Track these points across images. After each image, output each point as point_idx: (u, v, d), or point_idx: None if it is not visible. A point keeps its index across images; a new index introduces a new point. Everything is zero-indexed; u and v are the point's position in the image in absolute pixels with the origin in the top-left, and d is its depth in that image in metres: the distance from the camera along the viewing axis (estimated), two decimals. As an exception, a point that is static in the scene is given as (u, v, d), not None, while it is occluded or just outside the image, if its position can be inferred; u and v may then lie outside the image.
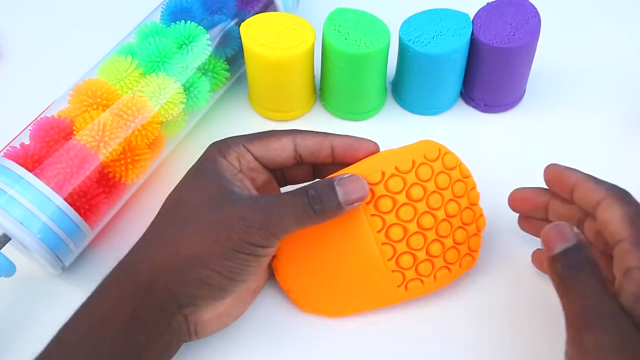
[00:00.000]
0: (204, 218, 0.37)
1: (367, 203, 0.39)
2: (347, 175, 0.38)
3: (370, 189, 0.39)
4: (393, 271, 0.40)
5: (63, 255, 0.42)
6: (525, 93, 0.54)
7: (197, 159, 0.41)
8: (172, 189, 0.40)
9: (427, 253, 0.40)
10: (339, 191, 0.37)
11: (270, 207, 0.37)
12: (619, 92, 0.55)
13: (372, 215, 0.39)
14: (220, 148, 0.40)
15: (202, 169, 0.40)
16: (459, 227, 0.41)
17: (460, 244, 0.41)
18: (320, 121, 0.53)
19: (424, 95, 0.52)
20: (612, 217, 0.35)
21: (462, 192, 0.41)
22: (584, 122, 0.53)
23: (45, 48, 0.59)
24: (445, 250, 0.41)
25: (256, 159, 0.41)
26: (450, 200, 0.41)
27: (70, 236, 0.42)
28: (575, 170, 0.39)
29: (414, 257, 0.40)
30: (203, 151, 0.41)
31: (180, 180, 0.40)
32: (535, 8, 0.49)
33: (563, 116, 0.53)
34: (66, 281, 0.45)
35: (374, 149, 0.42)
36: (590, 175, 0.38)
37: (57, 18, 0.62)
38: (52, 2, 0.63)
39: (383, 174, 0.39)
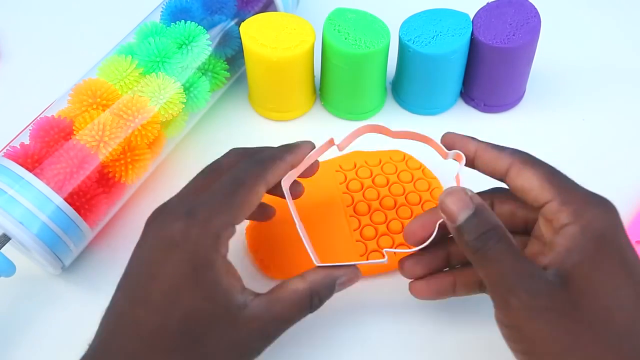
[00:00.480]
0: (223, 356, 0.35)
1: (340, 183, 0.47)
2: (347, 273, 0.38)
3: (344, 172, 0.47)
4: (357, 241, 0.45)
5: (63, 255, 0.42)
6: (525, 93, 0.54)
7: (180, 258, 0.34)
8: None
9: (388, 228, 0.45)
10: (336, 287, 0.38)
11: (279, 330, 0.36)
12: (618, 92, 0.55)
13: (344, 193, 0.47)
14: (210, 243, 0.34)
15: (203, 286, 0.34)
16: (420, 213, 0.43)
17: None
18: (320, 121, 0.53)
19: (424, 95, 0.52)
20: (530, 182, 0.35)
21: (425, 188, 0.47)
22: (583, 122, 0.53)
23: (45, 48, 0.59)
24: (401, 231, 0.44)
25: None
26: (412, 191, 0.47)
27: (70, 236, 0.42)
28: (473, 138, 0.38)
29: (376, 230, 0.45)
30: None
31: (179, 295, 0.34)
32: (535, 8, 0.49)
33: (563, 116, 0.53)
34: (66, 281, 0.45)
35: (312, 147, 0.41)
36: (489, 143, 0.38)
37: (57, 18, 0.62)
38: (52, 2, 0.63)
39: (355, 164, 0.48)
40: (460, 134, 0.39)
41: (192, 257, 0.34)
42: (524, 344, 0.33)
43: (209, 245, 0.34)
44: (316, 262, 0.39)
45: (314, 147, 0.41)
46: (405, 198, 0.46)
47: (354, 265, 0.39)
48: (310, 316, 0.43)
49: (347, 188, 0.47)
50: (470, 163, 0.38)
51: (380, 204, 0.46)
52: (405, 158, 0.49)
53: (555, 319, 0.32)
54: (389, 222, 0.45)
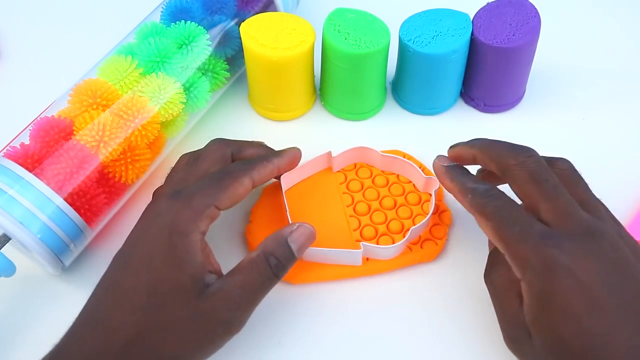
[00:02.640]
0: (186, 325, 0.36)
1: (341, 183, 0.47)
2: (295, 228, 0.40)
3: (344, 173, 0.48)
4: (357, 241, 0.44)
5: (63, 255, 0.42)
6: (525, 93, 0.54)
7: (160, 225, 0.37)
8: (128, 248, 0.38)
9: (388, 228, 0.45)
10: (294, 247, 0.39)
11: (243, 296, 0.37)
12: (618, 92, 0.55)
13: (344, 193, 0.47)
14: (190, 216, 0.38)
15: (175, 253, 0.37)
16: (420, 214, 0.46)
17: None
18: (320, 121, 0.53)
19: (424, 95, 0.52)
20: (487, 233, 0.37)
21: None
22: (583, 122, 0.53)
23: (45, 48, 0.59)
24: (405, 230, 0.45)
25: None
26: (412, 192, 0.47)
27: (70, 236, 0.42)
28: (455, 177, 0.40)
29: (376, 230, 0.45)
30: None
31: (152, 261, 0.37)
32: (535, 8, 0.49)
33: (563, 116, 0.53)
34: (66, 281, 0.45)
35: (300, 154, 0.45)
36: (460, 182, 0.40)
37: (57, 18, 0.62)
38: (52, 2, 0.63)
39: (355, 164, 0.48)
40: (448, 174, 0.41)
41: (170, 225, 0.37)
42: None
43: (188, 217, 0.37)
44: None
45: (300, 153, 0.45)
46: (405, 198, 0.46)
47: (304, 223, 0.41)
48: (310, 317, 0.43)
49: (347, 188, 0.47)
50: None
51: (380, 204, 0.46)
52: (405, 158, 0.49)
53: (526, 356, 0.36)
54: (389, 222, 0.45)
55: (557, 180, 0.37)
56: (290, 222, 0.44)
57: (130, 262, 0.37)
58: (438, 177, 0.42)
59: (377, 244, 0.44)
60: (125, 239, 0.41)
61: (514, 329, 0.36)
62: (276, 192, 0.47)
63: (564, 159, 0.39)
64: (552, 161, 0.39)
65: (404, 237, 0.44)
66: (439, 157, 0.42)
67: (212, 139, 0.44)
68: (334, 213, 0.46)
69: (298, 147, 0.45)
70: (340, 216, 0.46)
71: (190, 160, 0.42)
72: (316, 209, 0.46)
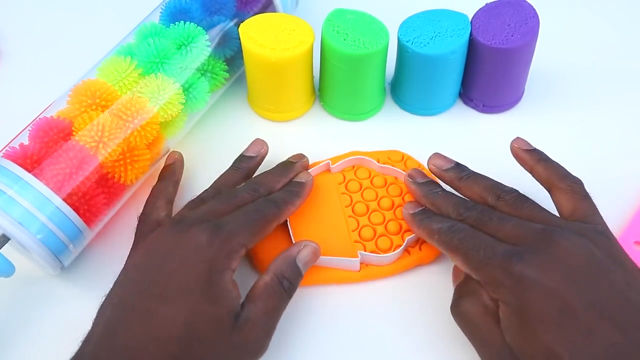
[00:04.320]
0: (221, 358, 0.37)
1: (339, 184, 0.47)
2: (302, 246, 0.42)
3: (342, 173, 0.48)
4: (355, 241, 0.44)
5: (62, 256, 0.42)
6: (524, 94, 0.54)
7: (201, 259, 0.38)
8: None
9: (386, 229, 0.45)
10: (301, 266, 0.41)
11: (269, 323, 0.39)
12: (617, 93, 0.55)
13: (343, 193, 0.47)
14: (226, 254, 0.39)
15: (212, 289, 0.38)
16: None
17: None
18: (319, 122, 0.54)
19: (423, 96, 0.52)
20: (458, 264, 0.40)
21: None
22: (582, 122, 0.53)
23: (45, 48, 0.59)
24: (403, 231, 0.45)
25: None
26: (409, 192, 0.46)
27: (70, 236, 0.42)
28: (431, 220, 0.42)
29: (374, 231, 0.45)
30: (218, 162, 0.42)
31: (190, 296, 0.37)
32: (534, 9, 0.49)
33: (561, 117, 0.53)
34: (65, 281, 0.45)
35: (312, 184, 0.46)
36: (438, 224, 0.41)
37: (57, 18, 0.62)
38: (52, 3, 0.63)
39: (353, 165, 0.48)
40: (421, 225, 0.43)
41: (210, 261, 0.38)
42: None
43: (225, 257, 0.39)
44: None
45: (313, 182, 0.46)
46: (403, 199, 0.46)
47: (309, 241, 0.42)
48: (309, 319, 0.43)
49: (346, 189, 0.47)
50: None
51: (378, 204, 0.46)
52: (404, 158, 0.49)
53: None
54: (387, 222, 0.45)
55: (500, 213, 0.40)
56: (289, 223, 0.45)
57: (167, 293, 0.37)
58: (408, 225, 0.44)
59: (376, 245, 0.44)
60: (124, 239, 0.41)
61: (497, 353, 0.36)
62: None
63: (510, 188, 0.42)
64: (500, 194, 0.42)
65: (402, 238, 0.44)
66: (406, 205, 0.44)
67: (210, 140, 0.44)
68: (333, 214, 0.46)
69: (310, 174, 0.46)
70: (339, 217, 0.46)
71: (221, 196, 0.44)
72: (315, 209, 0.46)
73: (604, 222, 0.40)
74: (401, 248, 0.44)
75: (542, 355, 0.34)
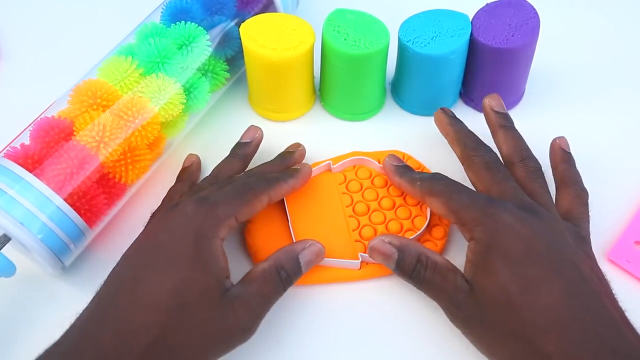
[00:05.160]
0: (209, 328, 0.37)
1: (340, 184, 0.47)
2: (308, 244, 0.42)
3: (343, 173, 0.48)
4: (356, 241, 0.45)
5: (63, 256, 0.42)
6: (524, 93, 0.54)
7: (187, 228, 0.38)
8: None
9: (387, 229, 0.45)
10: (302, 263, 0.41)
11: (258, 304, 0.39)
12: (617, 93, 0.55)
13: (344, 193, 0.47)
14: (213, 222, 0.39)
15: (201, 255, 0.38)
16: (419, 215, 0.46)
17: (420, 229, 0.45)
18: (319, 122, 0.54)
19: (424, 96, 0.52)
20: (437, 209, 0.42)
21: None
22: (582, 122, 0.53)
23: (45, 48, 0.59)
24: (404, 231, 0.45)
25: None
26: None
27: (70, 236, 0.42)
28: (399, 169, 0.45)
29: (375, 231, 0.45)
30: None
31: (178, 263, 0.37)
32: (534, 9, 0.49)
33: (562, 116, 0.53)
34: (66, 281, 0.45)
35: (311, 172, 0.47)
36: (407, 176, 0.45)
37: (57, 18, 0.62)
38: (52, 3, 0.63)
39: (354, 165, 0.48)
40: (392, 171, 0.46)
41: (196, 229, 0.38)
42: (474, 344, 0.39)
43: (212, 223, 0.39)
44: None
45: (311, 170, 0.46)
46: (404, 199, 0.46)
47: (315, 241, 0.42)
48: (309, 318, 0.43)
49: (347, 188, 0.47)
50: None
51: (379, 204, 0.46)
52: (405, 158, 0.49)
53: (471, 325, 0.39)
54: (388, 222, 0.45)
55: (508, 173, 0.43)
56: (290, 222, 0.45)
57: (155, 262, 0.37)
58: (387, 175, 0.46)
59: None
60: (125, 239, 0.41)
61: (456, 295, 0.39)
62: None
63: (537, 160, 0.45)
64: (526, 159, 0.44)
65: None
66: (390, 156, 0.46)
67: (212, 139, 0.44)
68: (333, 213, 0.46)
69: (308, 164, 0.47)
70: (340, 216, 0.46)
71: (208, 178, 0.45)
72: (316, 209, 0.46)
73: (589, 233, 0.42)
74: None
75: (496, 293, 0.37)
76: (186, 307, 0.36)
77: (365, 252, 0.44)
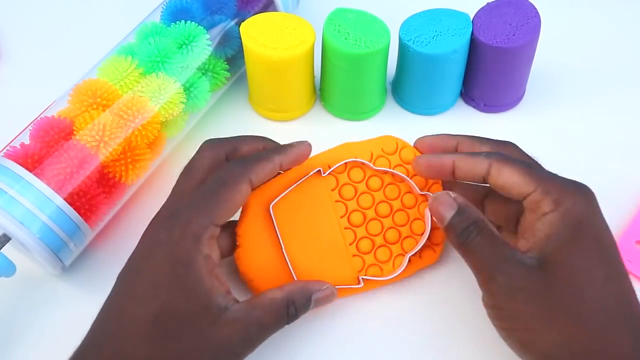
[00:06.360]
0: (197, 353, 0.35)
1: (332, 190, 0.44)
2: (325, 287, 0.40)
3: (335, 176, 0.44)
4: (354, 255, 0.43)
5: (63, 255, 0.42)
6: (525, 93, 0.54)
7: (162, 256, 0.36)
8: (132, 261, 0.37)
9: (385, 239, 0.43)
10: (312, 303, 0.40)
11: (259, 335, 0.37)
12: (618, 92, 0.55)
13: (337, 201, 0.43)
14: (190, 243, 0.36)
15: (179, 283, 0.36)
16: (417, 218, 0.44)
17: (419, 234, 0.44)
18: (320, 121, 0.53)
19: (424, 95, 0.52)
20: (512, 178, 0.38)
21: (422, 185, 0.44)
22: (583, 122, 0.53)
23: (45, 48, 0.59)
24: (402, 239, 0.43)
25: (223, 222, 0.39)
26: (408, 192, 0.44)
27: (70, 236, 0.42)
28: (444, 154, 0.42)
29: (373, 242, 0.43)
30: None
31: (157, 295, 0.36)
32: (535, 8, 0.49)
33: (563, 116, 0.53)
34: (66, 281, 0.45)
35: (309, 150, 0.43)
36: (463, 153, 0.41)
37: (57, 18, 0.62)
38: (52, 3, 0.63)
39: (346, 165, 0.44)
40: (432, 155, 0.42)
41: (170, 255, 0.36)
42: (507, 322, 0.37)
43: (189, 246, 0.36)
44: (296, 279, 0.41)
45: (310, 148, 0.43)
46: (401, 201, 0.44)
47: (330, 286, 0.41)
48: (309, 326, 0.43)
49: (340, 195, 0.44)
50: (450, 174, 0.41)
51: (375, 211, 0.44)
52: (398, 147, 0.45)
53: (531, 298, 0.35)
54: (386, 231, 0.44)
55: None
56: (282, 242, 0.42)
57: (136, 290, 0.36)
58: (433, 164, 0.42)
59: (375, 256, 0.43)
60: (125, 238, 0.41)
61: (506, 267, 0.36)
62: (260, 203, 0.43)
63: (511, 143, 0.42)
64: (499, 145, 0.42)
65: (401, 247, 0.43)
66: (421, 141, 0.44)
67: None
68: (328, 226, 0.43)
69: (308, 141, 0.43)
70: (335, 230, 0.43)
71: (184, 172, 0.41)
72: (308, 223, 0.43)
73: None
74: (402, 266, 0.43)
75: (581, 272, 0.35)
76: (171, 337, 0.35)
77: (363, 269, 0.43)
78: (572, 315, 0.35)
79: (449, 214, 0.38)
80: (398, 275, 0.43)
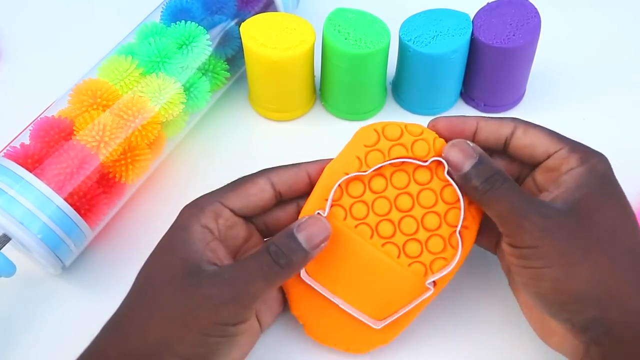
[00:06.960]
0: (171, 302, 0.35)
1: (344, 219, 0.39)
2: (304, 219, 0.37)
3: (336, 205, 0.39)
4: (410, 265, 0.39)
5: (63, 255, 0.42)
6: (525, 93, 0.54)
7: (171, 224, 0.38)
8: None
9: (426, 229, 0.39)
10: (301, 238, 0.37)
11: (235, 277, 0.35)
12: (618, 92, 0.55)
13: (356, 226, 0.39)
14: (193, 212, 0.38)
15: (171, 241, 0.38)
16: (443, 187, 0.39)
17: (452, 203, 0.39)
18: (320, 121, 0.53)
19: (424, 95, 0.52)
20: (539, 138, 0.39)
21: (425, 152, 0.40)
22: (583, 121, 0.53)
23: (45, 48, 0.59)
24: (444, 215, 0.39)
25: (236, 213, 0.39)
26: (416, 169, 0.40)
27: (71, 236, 0.42)
28: (467, 116, 0.41)
29: (418, 241, 0.39)
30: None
31: (152, 252, 0.38)
32: (535, 8, 0.49)
33: (563, 116, 0.53)
34: (66, 281, 0.45)
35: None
36: (486, 117, 0.41)
37: (57, 18, 0.62)
38: (52, 2, 0.63)
39: (340, 187, 0.39)
40: (455, 117, 0.41)
41: (174, 223, 0.38)
42: (542, 260, 0.36)
43: (189, 215, 0.38)
44: (375, 326, 0.39)
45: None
46: (416, 182, 0.40)
47: (314, 216, 0.38)
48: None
49: (355, 218, 0.39)
50: (471, 135, 0.40)
51: (397, 209, 0.39)
52: (379, 133, 0.40)
53: (567, 235, 0.36)
54: (422, 221, 0.39)
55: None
56: (338, 301, 0.39)
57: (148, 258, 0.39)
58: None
59: (430, 252, 0.39)
60: (125, 238, 0.41)
61: (532, 213, 0.36)
62: (296, 279, 0.40)
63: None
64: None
65: (447, 224, 0.39)
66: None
67: (212, 139, 0.43)
68: (366, 257, 0.39)
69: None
70: (374, 254, 0.39)
71: None
72: (348, 268, 0.39)
73: None
74: (461, 241, 0.39)
75: (610, 215, 0.37)
76: (150, 284, 0.37)
77: (427, 270, 0.39)
78: (607, 253, 0.36)
79: (469, 162, 0.38)
80: (463, 251, 0.39)
